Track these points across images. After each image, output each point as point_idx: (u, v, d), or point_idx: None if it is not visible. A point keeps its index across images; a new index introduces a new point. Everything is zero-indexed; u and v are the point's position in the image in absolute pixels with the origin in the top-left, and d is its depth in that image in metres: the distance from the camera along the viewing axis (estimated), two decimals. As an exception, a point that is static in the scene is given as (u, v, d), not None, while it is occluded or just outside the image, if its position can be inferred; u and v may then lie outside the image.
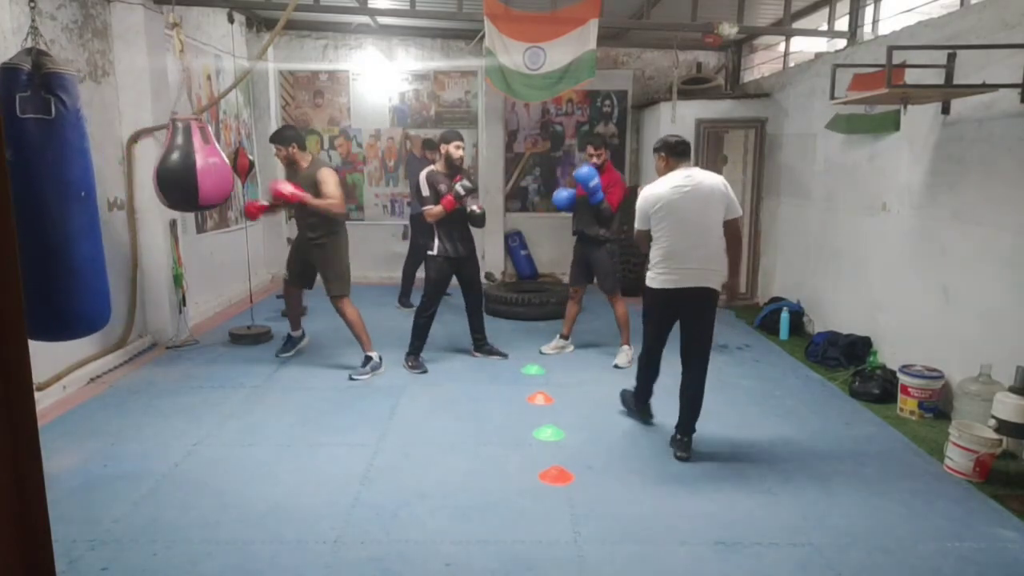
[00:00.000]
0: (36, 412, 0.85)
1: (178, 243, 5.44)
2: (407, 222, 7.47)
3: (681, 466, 3.42)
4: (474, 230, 4.95)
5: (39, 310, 2.82)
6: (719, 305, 3.60)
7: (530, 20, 5.80)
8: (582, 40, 5.69)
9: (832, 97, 4.27)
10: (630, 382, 4.03)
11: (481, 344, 5.21)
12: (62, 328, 3.01)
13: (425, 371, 4.83)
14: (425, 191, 4.72)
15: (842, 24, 5.87)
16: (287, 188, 4.50)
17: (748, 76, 7.82)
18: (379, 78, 8.02)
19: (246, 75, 6.53)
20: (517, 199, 8.40)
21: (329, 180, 4.56)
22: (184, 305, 5.47)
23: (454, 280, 4.96)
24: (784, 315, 5.82)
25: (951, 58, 3.90)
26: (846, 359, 4.87)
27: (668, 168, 3.58)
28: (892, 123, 4.60)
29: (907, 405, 4.06)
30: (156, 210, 5.07)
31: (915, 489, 3.19)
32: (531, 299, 6.44)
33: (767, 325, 5.99)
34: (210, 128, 4.50)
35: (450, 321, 5.81)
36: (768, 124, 6.76)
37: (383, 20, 7.28)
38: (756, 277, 7.10)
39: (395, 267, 7.26)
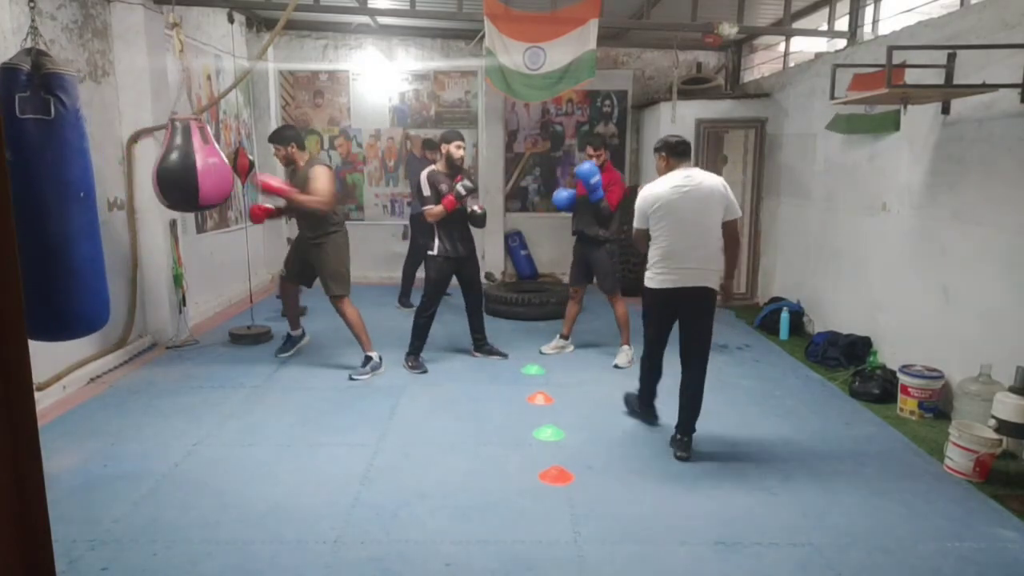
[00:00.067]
0: (36, 412, 0.85)
1: (178, 243, 5.44)
2: (407, 222, 7.47)
3: (681, 466, 3.42)
4: (474, 230, 4.95)
5: (39, 310, 2.82)
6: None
7: (530, 20, 5.80)
8: (582, 40, 5.69)
9: (832, 97, 4.27)
10: (630, 382, 4.03)
11: (481, 344, 5.21)
12: (61, 328, 3.01)
13: (425, 371, 4.83)
14: (426, 191, 4.72)
15: (842, 24, 5.87)
16: (274, 181, 4.53)
17: (748, 76, 7.82)
18: (379, 78, 8.02)
19: (246, 75, 6.53)
20: (517, 199, 8.40)
21: (319, 177, 4.54)
22: (184, 305, 5.47)
23: (454, 280, 4.96)
24: (784, 315, 5.82)
25: (951, 58, 3.90)
26: (846, 359, 4.87)
27: (668, 168, 3.58)
28: (892, 123, 4.60)
29: (907, 405, 4.06)
30: (156, 210, 5.07)
31: (915, 489, 3.19)
32: (531, 299, 6.43)
33: (767, 325, 5.99)
34: (209, 128, 4.50)
35: (450, 321, 5.81)
36: (768, 124, 6.76)
37: (383, 20, 7.28)
38: (756, 277, 7.10)
39: (395, 267, 7.26)
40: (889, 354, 4.64)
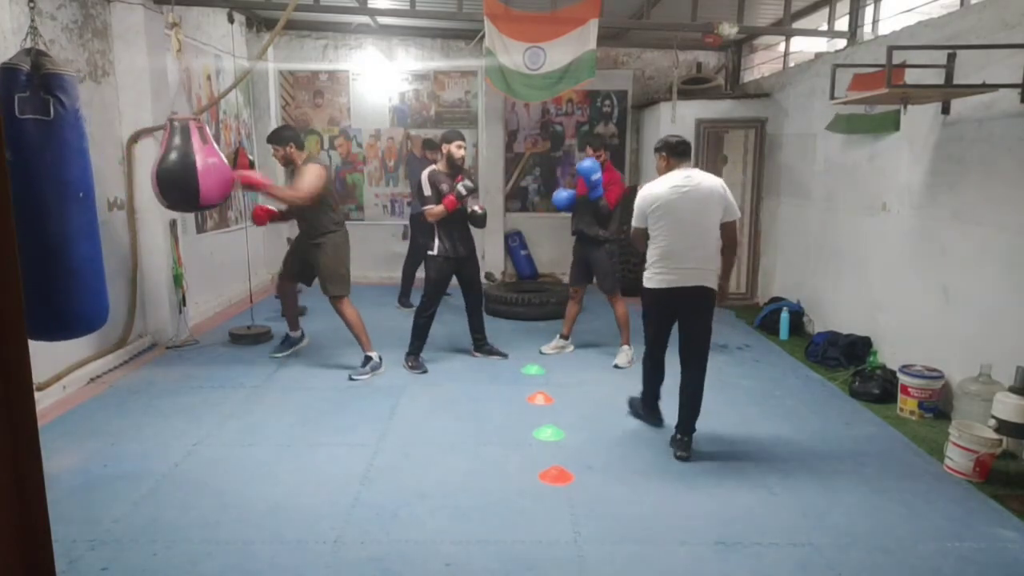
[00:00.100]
0: (36, 412, 0.85)
1: (178, 243, 5.44)
2: (407, 222, 7.47)
3: (681, 466, 3.42)
4: (474, 230, 4.95)
5: (38, 310, 2.82)
6: None
7: (530, 20, 5.80)
8: (582, 40, 5.69)
9: (832, 97, 4.27)
10: (630, 382, 4.03)
11: (481, 344, 5.21)
12: (61, 328, 3.01)
13: (425, 371, 4.83)
14: (427, 191, 4.72)
15: (842, 24, 5.87)
16: (254, 176, 4.55)
17: (748, 76, 7.82)
18: (379, 78, 8.01)
19: (246, 75, 6.53)
20: (517, 199, 8.40)
21: (306, 174, 4.51)
22: (184, 305, 5.47)
23: (454, 280, 4.96)
24: (784, 315, 5.82)
25: (951, 58, 3.90)
26: (846, 359, 4.87)
27: (668, 168, 3.58)
28: (892, 123, 4.60)
29: (907, 405, 4.06)
30: (156, 210, 5.06)
31: (915, 489, 3.19)
32: (531, 299, 6.43)
33: (767, 325, 5.99)
34: (208, 128, 4.50)
35: (450, 321, 5.81)
36: (768, 124, 6.76)
37: (383, 20, 7.28)
38: (756, 277, 7.10)
39: (395, 267, 7.26)
40: (889, 354, 4.64)
